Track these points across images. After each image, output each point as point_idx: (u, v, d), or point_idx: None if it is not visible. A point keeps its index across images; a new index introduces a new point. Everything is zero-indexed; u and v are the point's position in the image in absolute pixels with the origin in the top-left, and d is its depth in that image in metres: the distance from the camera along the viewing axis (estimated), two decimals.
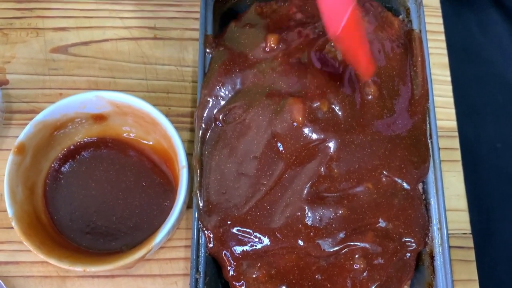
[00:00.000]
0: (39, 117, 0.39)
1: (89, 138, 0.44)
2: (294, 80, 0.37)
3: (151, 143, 0.44)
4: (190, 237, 0.41)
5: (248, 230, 0.36)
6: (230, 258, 0.36)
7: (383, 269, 0.36)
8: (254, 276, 0.35)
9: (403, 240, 0.36)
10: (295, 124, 0.36)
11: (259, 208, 0.36)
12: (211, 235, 0.36)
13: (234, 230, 0.36)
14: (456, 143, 0.48)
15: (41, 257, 0.37)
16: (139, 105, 0.40)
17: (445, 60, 0.50)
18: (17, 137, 0.42)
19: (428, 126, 0.40)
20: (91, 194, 0.42)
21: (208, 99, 0.39)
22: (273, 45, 0.39)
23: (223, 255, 0.36)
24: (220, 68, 0.39)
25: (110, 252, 0.40)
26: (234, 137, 0.38)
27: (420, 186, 0.39)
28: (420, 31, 0.41)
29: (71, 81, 0.48)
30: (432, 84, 0.48)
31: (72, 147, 0.43)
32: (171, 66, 0.49)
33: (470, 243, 0.45)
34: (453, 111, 0.49)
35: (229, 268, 0.36)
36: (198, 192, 0.37)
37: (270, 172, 0.37)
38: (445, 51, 0.50)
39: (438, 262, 0.37)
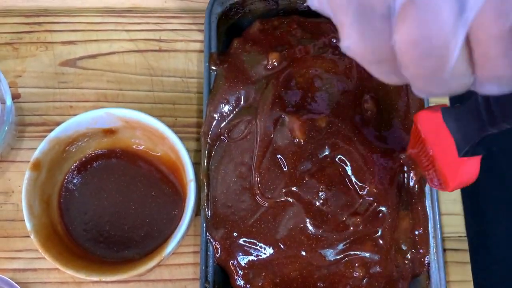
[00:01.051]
0: (53, 134, 0.41)
1: (100, 151, 0.46)
2: (294, 97, 0.39)
3: (159, 154, 0.46)
4: (198, 243, 0.43)
5: (253, 241, 0.38)
6: (237, 268, 0.38)
7: (381, 276, 0.38)
8: (259, 284, 0.38)
9: (400, 248, 0.39)
10: (295, 140, 0.38)
11: (264, 220, 0.38)
12: (219, 246, 0.39)
13: (240, 241, 0.38)
14: None
15: (59, 268, 0.39)
16: (147, 120, 0.42)
17: None
18: (31, 149, 0.45)
19: None
20: (104, 204, 0.44)
21: (214, 115, 0.41)
22: (274, 63, 0.41)
23: (230, 264, 0.39)
24: (224, 86, 0.41)
25: (124, 260, 0.43)
26: (238, 152, 0.40)
27: None
28: None
29: (80, 93, 0.50)
30: None
31: (83, 159, 0.45)
32: (176, 77, 0.50)
33: (465, 246, 0.47)
34: None
35: (236, 277, 0.38)
36: (205, 205, 0.40)
37: (274, 187, 0.39)
38: None
39: (433, 269, 0.39)
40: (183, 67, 0.51)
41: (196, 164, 0.45)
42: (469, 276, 0.47)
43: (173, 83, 0.50)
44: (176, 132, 0.42)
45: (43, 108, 0.49)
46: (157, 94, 0.50)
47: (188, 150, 0.42)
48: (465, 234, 0.48)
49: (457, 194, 0.49)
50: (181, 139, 0.42)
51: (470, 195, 0.50)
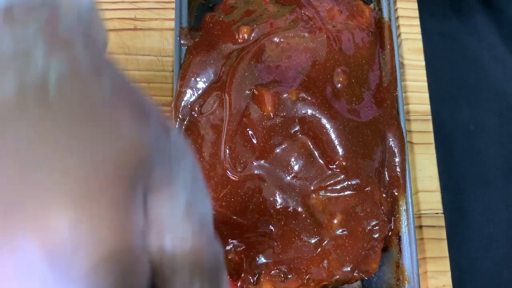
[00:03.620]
0: None
1: None
2: (264, 70, 0.39)
3: None
4: None
5: (223, 215, 0.38)
6: None
7: (352, 252, 0.38)
8: (229, 257, 0.37)
9: (370, 223, 0.38)
10: (265, 114, 0.38)
11: (234, 194, 0.38)
12: None
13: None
14: (429, 127, 0.49)
15: None
16: None
17: (420, 45, 0.51)
18: None
19: (397, 111, 0.41)
20: None
21: (184, 90, 0.40)
22: (245, 37, 0.40)
23: None
24: (195, 60, 0.40)
25: None
26: (208, 127, 0.39)
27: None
28: (390, 19, 0.42)
29: None
30: (405, 69, 0.49)
31: None
32: (151, 56, 0.50)
33: (442, 222, 0.47)
34: (427, 95, 0.50)
35: None
36: None
37: (244, 161, 0.38)
38: (419, 36, 0.51)
39: (404, 242, 0.39)
40: (158, 45, 0.50)
41: None
42: (446, 253, 0.47)
43: (148, 62, 0.50)
44: None
45: None
46: (132, 73, 0.50)
47: None
48: (441, 211, 0.47)
49: (433, 171, 0.48)
50: None
51: (447, 172, 0.50)
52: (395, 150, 0.39)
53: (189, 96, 0.40)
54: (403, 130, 0.40)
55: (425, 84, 0.50)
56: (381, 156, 0.39)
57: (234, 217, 0.38)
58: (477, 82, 0.53)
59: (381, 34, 0.42)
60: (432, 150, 0.49)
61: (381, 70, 0.41)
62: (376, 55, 0.41)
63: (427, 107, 0.50)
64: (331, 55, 0.40)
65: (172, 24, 0.50)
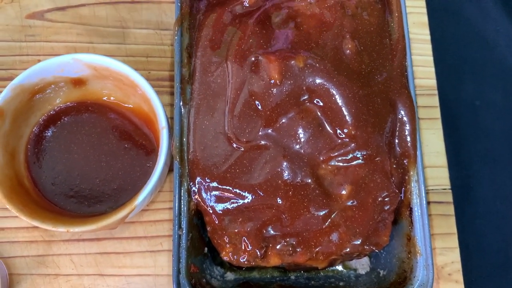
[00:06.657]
0: (16, 81, 0.39)
1: (69, 103, 0.44)
2: (270, 36, 0.37)
3: (131, 106, 0.44)
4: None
5: (228, 187, 0.36)
6: (212, 215, 0.36)
7: (362, 224, 0.36)
8: (236, 230, 0.36)
9: (380, 194, 0.37)
10: (272, 81, 0.36)
11: (239, 165, 0.37)
12: (194, 194, 0.37)
13: (215, 188, 0.37)
14: (435, 101, 0.48)
15: (24, 219, 0.37)
16: (117, 67, 0.40)
17: (425, 19, 0.50)
18: None
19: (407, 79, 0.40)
20: (74, 157, 0.42)
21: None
22: (251, 1, 0.39)
23: (205, 212, 0.37)
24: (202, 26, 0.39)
25: (95, 214, 0.41)
26: (210, 95, 0.38)
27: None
28: None
29: (48, 47, 0.47)
30: (411, 42, 0.48)
31: (52, 112, 0.43)
32: (149, 29, 0.48)
33: (450, 198, 0.46)
34: (432, 69, 0.49)
35: (209, 226, 0.36)
36: (178, 150, 0.38)
37: (249, 130, 0.37)
38: (424, 10, 0.50)
39: (416, 214, 0.38)
40: (156, 18, 0.48)
41: (171, 119, 0.43)
42: (454, 229, 0.46)
43: (146, 36, 0.48)
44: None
45: (9, 62, 0.47)
46: (129, 47, 0.48)
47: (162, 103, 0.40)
48: (449, 187, 0.46)
49: (440, 147, 0.47)
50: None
51: (453, 148, 0.49)
52: (405, 119, 0.38)
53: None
54: (413, 99, 0.39)
55: (431, 58, 0.49)
56: (391, 125, 0.38)
57: (239, 190, 0.36)
58: (482, 57, 0.52)
59: (388, 1, 0.41)
60: (438, 125, 0.48)
61: (390, 38, 0.40)
62: (384, 22, 0.40)
63: (433, 82, 0.49)
64: (339, 21, 0.39)
65: None
